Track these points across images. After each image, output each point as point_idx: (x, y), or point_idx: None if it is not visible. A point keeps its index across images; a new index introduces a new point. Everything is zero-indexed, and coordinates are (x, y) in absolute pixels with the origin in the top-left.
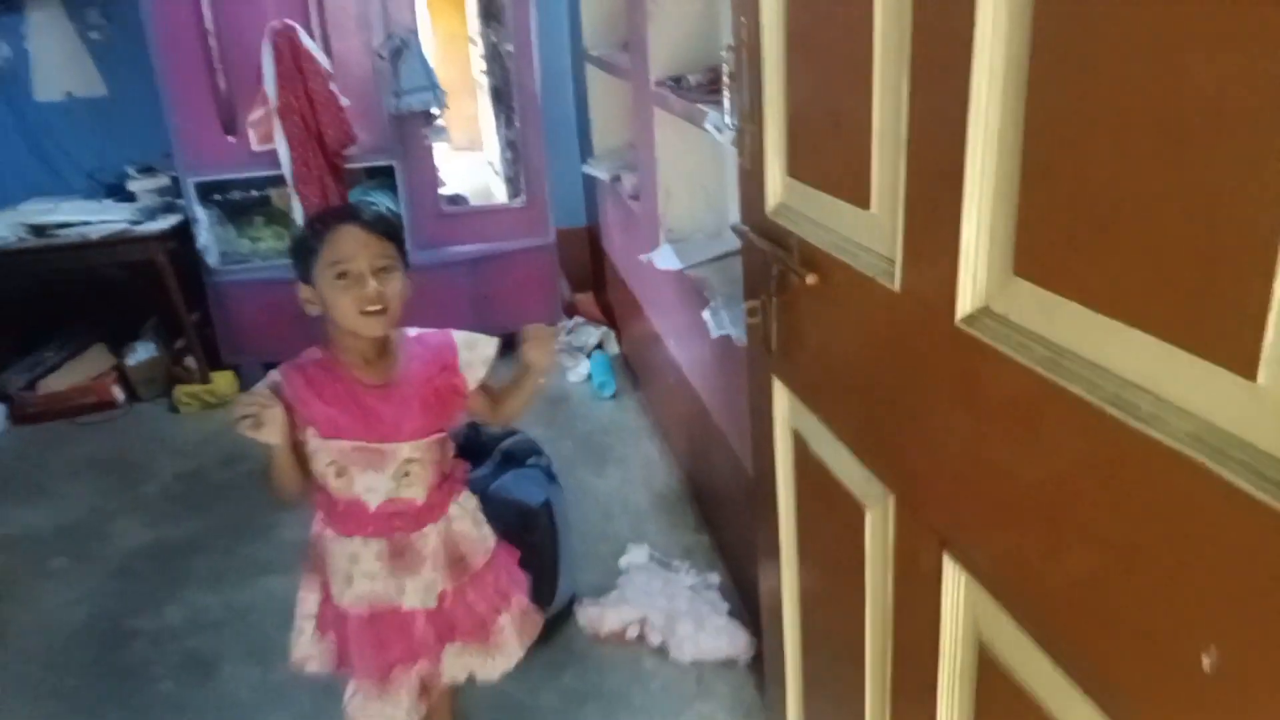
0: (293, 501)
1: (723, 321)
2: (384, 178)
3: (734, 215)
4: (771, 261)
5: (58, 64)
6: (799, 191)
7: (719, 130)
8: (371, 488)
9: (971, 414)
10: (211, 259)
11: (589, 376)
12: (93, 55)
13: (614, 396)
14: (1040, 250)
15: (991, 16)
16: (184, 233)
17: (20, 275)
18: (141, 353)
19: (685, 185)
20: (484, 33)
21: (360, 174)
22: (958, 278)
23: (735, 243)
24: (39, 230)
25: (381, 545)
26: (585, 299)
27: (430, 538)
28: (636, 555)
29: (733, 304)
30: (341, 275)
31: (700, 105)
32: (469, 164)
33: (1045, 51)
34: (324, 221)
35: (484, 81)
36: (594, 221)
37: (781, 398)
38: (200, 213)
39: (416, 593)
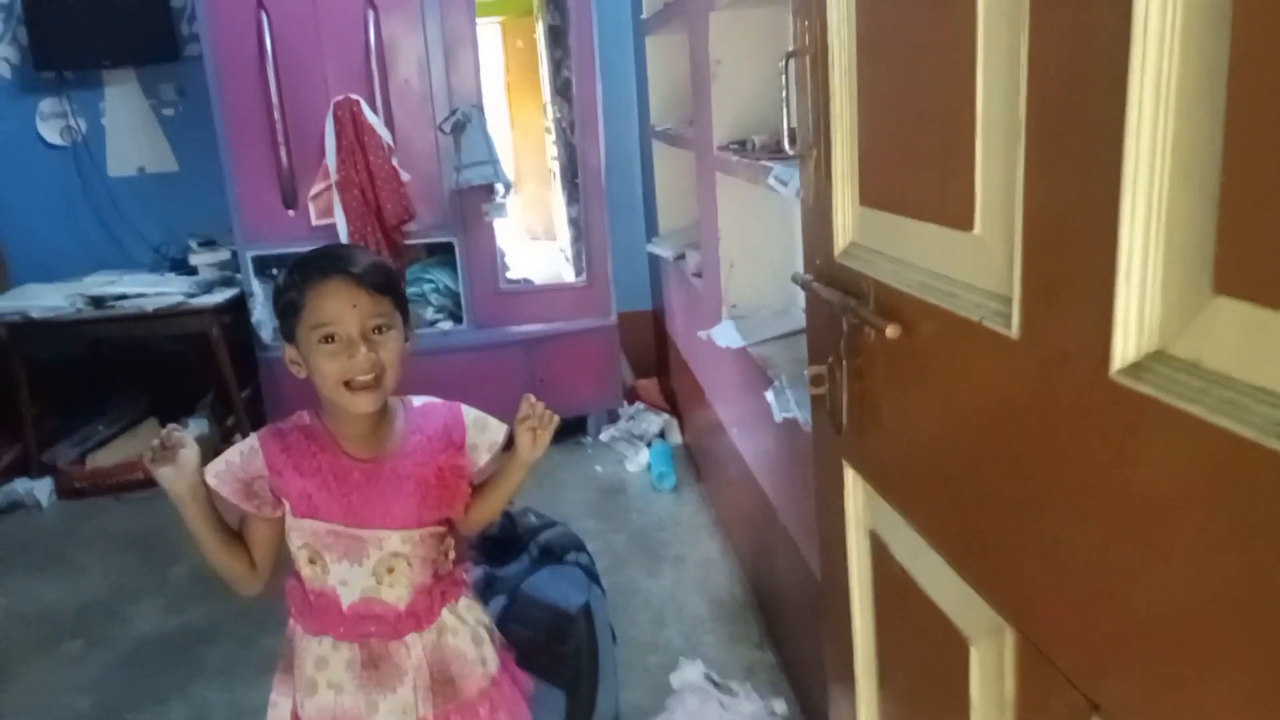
0: (241, 587)
1: (787, 403)
2: (444, 254)
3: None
4: (840, 315)
5: (132, 139)
6: (875, 223)
7: (783, 184)
8: (346, 581)
9: (1137, 507)
10: (265, 334)
11: (648, 466)
12: (165, 131)
13: (674, 489)
14: (1264, 250)
15: None
16: (239, 307)
17: (77, 346)
18: (193, 429)
19: (749, 258)
20: (555, 114)
21: (420, 250)
22: (1114, 312)
23: (803, 321)
24: (97, 301)
25: (353, 652)
26: (648, 385)
27: (413, 649)
28: (690, 673)
29: (799, 384)
30: (327, 339)
31: (764, 163)
32: (543, 252)
33: None
34: (306, 272)
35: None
36: (659, 305)
37: (855, 489)
38: (256, 287)
39: (391, 715)
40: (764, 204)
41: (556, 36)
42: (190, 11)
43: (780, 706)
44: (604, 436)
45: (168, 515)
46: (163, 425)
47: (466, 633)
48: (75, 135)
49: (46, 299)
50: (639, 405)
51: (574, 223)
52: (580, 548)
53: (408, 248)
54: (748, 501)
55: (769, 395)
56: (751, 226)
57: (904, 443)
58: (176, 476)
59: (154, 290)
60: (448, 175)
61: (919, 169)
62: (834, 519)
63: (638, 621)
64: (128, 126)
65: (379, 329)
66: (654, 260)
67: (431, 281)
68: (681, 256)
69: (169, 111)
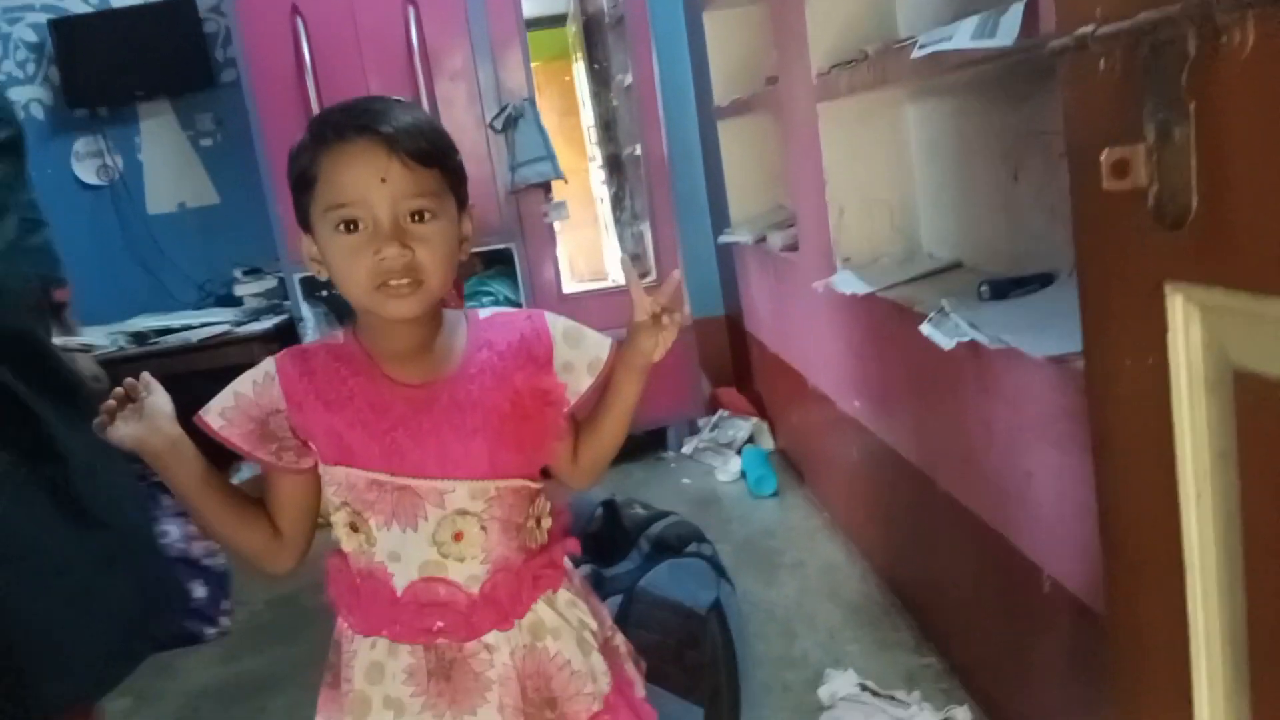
0: (266, 563)
1: (954, 327)
2: (502, 265)
3: (928, 233)
4: (1187, 25)
5: (171, 174)
6: None
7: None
8: (399, 553)
9: None
10: None
11: (741, 474)
12: (204, 163)
13: (775, 494)
14: None
15: None
16: (288, 332)
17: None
18: (246, 470)
19: (861, 202)
20: (595, 106)
21: (476, 262)
22: None
23: (934, 263)
24: (140, 337)
25: (416, 657)
26: (728, 392)
27: (497, 654)
28: (841, 684)
29: (967, 306)
30: (347, 226)
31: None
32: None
33: None
34: (321, 130)
35: (603, 195)
36: (733, 308)
37: (1191, 328)
38: (306, 310)
39: None
40: (877, 136)
41: (600, 76)
42: (224, 36)
43: (962, 715)
44: (687, 448)
45: (223, 558)
46: (218, 465)
47: (570, 635)
48: (112, 174)
49: (87, 339)
50: (722, 413)
51: (621, 220)
52: (701, 538)
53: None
54: (884, 489)
55: (926, 328)
56: (863, 165)
57: None
58: (148, 433)
59: (198, 322)
60: (501, 177)
61: None
62: (1133, 408)
63: (765, 636)
64: (165, 161)
65: (418, 215)
66: (725, 262)
67: (490, 294)
68: (763, 239)
69: (207, 142)
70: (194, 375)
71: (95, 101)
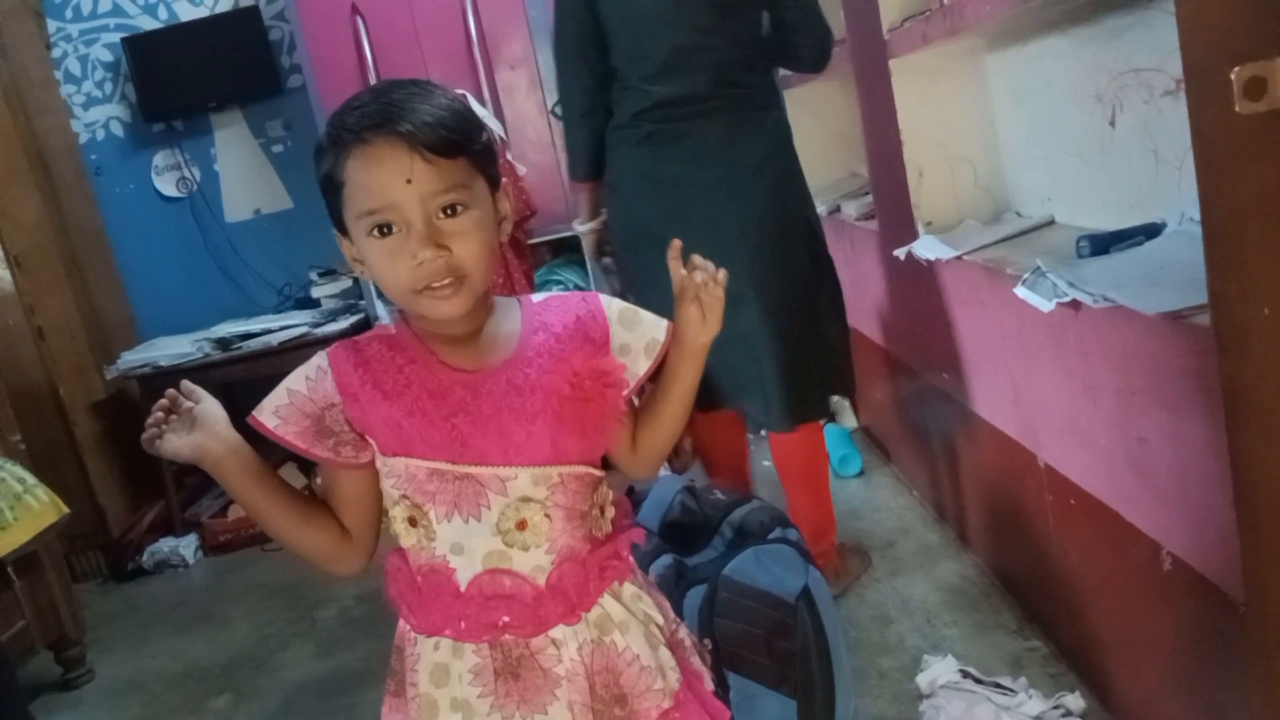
0: (335, 565)
1: (1051, 288)
2: (570, 252)
3: (1016, 190)
4: None
5: (245, 181)
6: None
7: None
8: (462, 546)
9: None
10: None
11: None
12: (276, 168)
13: (860, 474)
14: None
15: None
16: (364, 331)
17: (209, 392)
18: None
19: (942, 161)
20: None
21: (544, 251)
22: None
23: (1024, 222)
24: (223, 343)
25: (482, 656)
26: None
27: (565, 650)
28: (941, 670)
29: (1065, 265)
30: (380, 230)
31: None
32: None
33: None
34: (338, 130)
35: None
36: None
37: None
38: (381, 309)
39: None
40: (956, 90)
41: None
42: (289, 41)
43: (1074, 702)
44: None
45: None
46: (300, 468)
47: (638, 629)
48: (190, 185)
49: (174, 348)
50: None
51: None
52: (785, 522)
53: (533, 248)
54: (978, 464)
55: (1021, 290)
56: (941, 123)
57: None
58: (205, 439)
59: (278, 325)
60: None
61: None
62: (1272, 363)
63: (857, 621)
64: (240, 169)
65: (450, 209)
66: None
67: (561, 283)
68: (836, 210)
69: (278, 148)
70: (277, 378)
71: (171, 115)
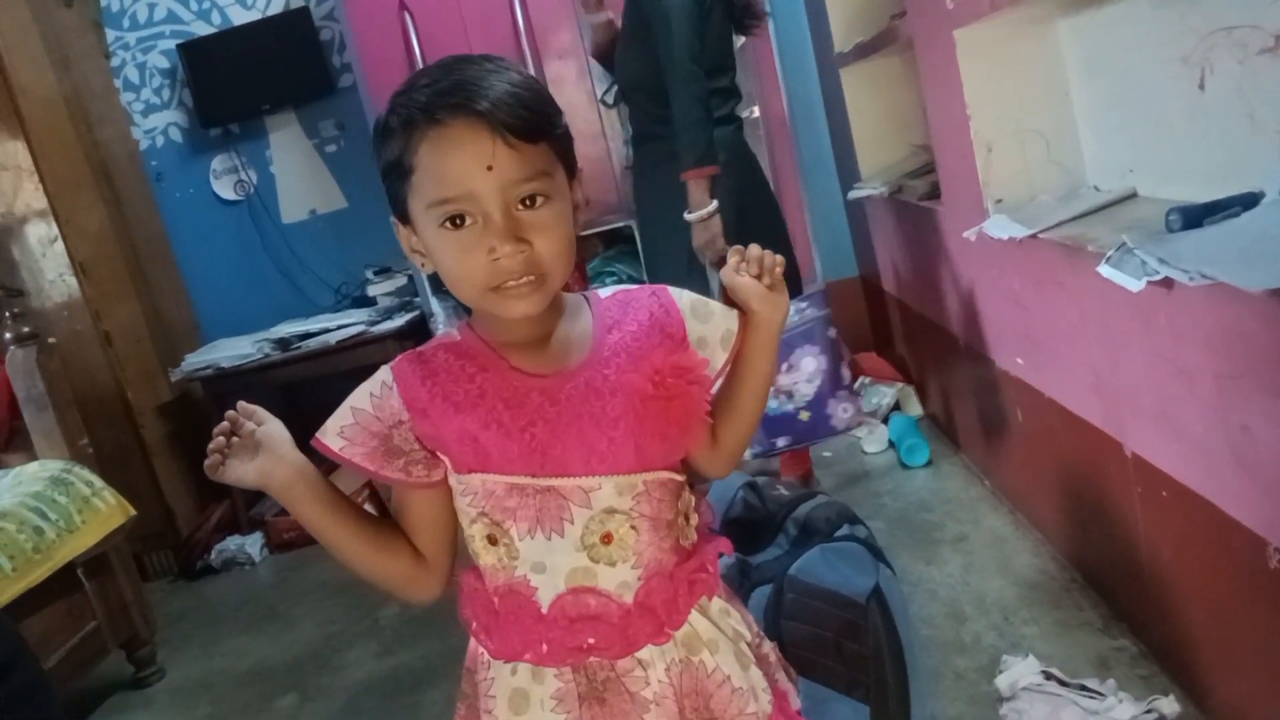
0: (412, 592)
1: (1140, 266)
2: (624, 244)
3: (1093, 163)
4: None
5: (301, 183)
6: None
7: None
8: (543, 563)
9: None
10: None
11: (890, 444)
12: (331, 168)
13: (928, 464)
14: None
15: None
16: (420, 328)
17: (271, 392)
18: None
19: (1012, 135)
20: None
21: (596, 242)
22: None
23: (1103, 196)
24: (283, 343)
25: (566, 681)
26: (868, 357)
27: (653, 671)
28: (1022, 671)
29: (1154, 241)
30: (453, 222)
31: None
32: None
33: None
34: (408, 110)
35: None
36: (868, 270)
37: None
38: (435, 305)
39: None
40: (1025, 60)
41: None
42: (339, 41)
43: (1169, 706)
44: None
45: None
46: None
47: (728, 648)
48: (248, 188)
49: (235, 349)
50: (864, 380)
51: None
52: (853, 519)
53: (584, 240)
54: (1056, 453)
55: (1105, 269)
56: (1010, 95)
57: None
58: (271, 464)
59: (335, 324)
60: (617, 153)
61: None
62: None
63: (930, 619)
64: (295, 170)
65: (530, 200)
66: (857, 220)
67: (614, 275)
68: (898, 190)
69: (332, 148)
70: (336, 376)
71: (227, 119)
